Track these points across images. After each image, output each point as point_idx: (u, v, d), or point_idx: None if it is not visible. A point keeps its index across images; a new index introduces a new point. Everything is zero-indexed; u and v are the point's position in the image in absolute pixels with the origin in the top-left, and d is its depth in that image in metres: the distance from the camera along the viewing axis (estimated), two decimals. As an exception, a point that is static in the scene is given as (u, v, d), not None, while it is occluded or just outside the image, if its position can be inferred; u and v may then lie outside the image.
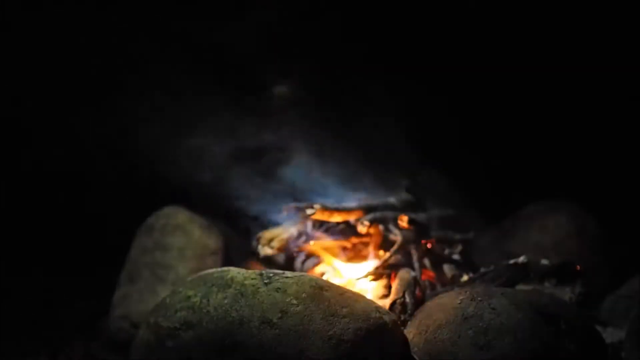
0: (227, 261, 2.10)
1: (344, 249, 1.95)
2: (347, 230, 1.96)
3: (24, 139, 2.20)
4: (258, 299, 1.40)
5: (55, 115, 2.13)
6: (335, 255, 1.94)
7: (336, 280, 1.83)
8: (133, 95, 2.06)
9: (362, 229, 1.90)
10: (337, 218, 1.92)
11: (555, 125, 2.44)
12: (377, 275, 1.79)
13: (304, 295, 1.41)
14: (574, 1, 2.29)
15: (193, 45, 2.05)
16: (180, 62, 2.03)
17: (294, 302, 1.39)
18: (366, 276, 1.77)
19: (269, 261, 1.94)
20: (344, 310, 1.40)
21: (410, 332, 1.51)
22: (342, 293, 1.46)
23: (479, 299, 1.47)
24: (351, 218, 1.94)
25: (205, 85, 2.05)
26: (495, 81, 2.38)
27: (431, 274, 1.92)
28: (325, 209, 1.87)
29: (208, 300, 1.42)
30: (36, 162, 2.23)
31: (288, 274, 1.48)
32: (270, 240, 1.93)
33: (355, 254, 1.95)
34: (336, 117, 2.24)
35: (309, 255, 1.97)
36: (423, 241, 1.96)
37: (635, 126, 2.33)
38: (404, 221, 1.91)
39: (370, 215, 1.93)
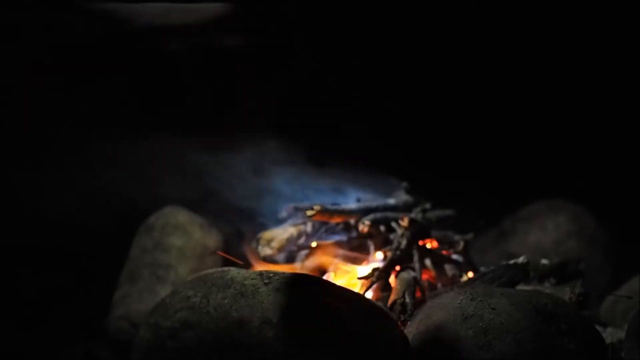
0: (227, 261, 2.10)
1: (344, 249, 1.95)
2: (347, 230, 1.96)
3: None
4: (258, 299, 1.40)
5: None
6: (335, 255, 1.94)
7: (336, 281, 1.83)
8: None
9: (363, 228, 1.90)
10: (337, 219, 1.92)
11: (555, 125, 2.44)
12: (377, 275, 1.79)
13: (304, 295, 1.40)
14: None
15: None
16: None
17: (294, 302, 1.39)
18: (366, 276, 1.77)
19: (272, 261, 1.94)
20: (344, 310, 1.40)
21: (410, 332, 1.51)
22: (342, 293, 1.45)
23: (479, 299, 1.46)
24: (351, 219, 1.94)
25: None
26: (495, 79, 2.39)
27: (431, 274, 1.92)
28: (325, 210, 1.87)
29: (208, 300, 1.42)
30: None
31: (288, 273, 1.47)
32: (270, 240, 1.93)
33: (355, 255, 1.94)
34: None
35: (309, 255, 1.96)
36: (423, 241, 1.96)
37: (635, 125, 2.33)
38: (404, 222, 1.90)
39: (371, 216, 1.93)
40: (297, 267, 1.94)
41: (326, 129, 2.34)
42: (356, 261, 1.91)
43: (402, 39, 2.36)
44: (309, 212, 1.86)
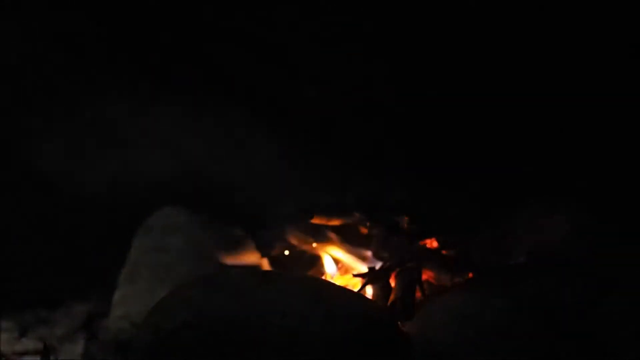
0: (227, 261, 2.10)
1: (344, 249, 1.95)
2: (347, 231, 1.96)
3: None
4: (258, 299, 1.40)
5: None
6: (335, 255, 1.94)
7: (336, 280, 1.83)
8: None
9: (363, 229, 1.90)
10: (336, 222, 1.92)
11: (555, 124, 2.44)
12: (373, 274, 1.79)
13: (304, 295, 1.41)
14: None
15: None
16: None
17: (294, 302, 1.39)
18: (362, 275, 1.78)
19: (272, 261, 1.95)
20: (344, 310, 1.40)
21: (410, 332, 1.51)
22: (342, 293, 1.46)
23: (479, 299, 1.47)
24: (350, 221, 1.94)
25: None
26: (494, 78, 2.38)
27: (431, 274, 1.93)
28: (323, 213, 1.87)
29: (208, 301, 1.42)
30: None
31: (288, 273, 1.48)
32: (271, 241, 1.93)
33: (355, 255, 1.95)
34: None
35: (310, 256, 1.97)
36: (423, 241, 1.96)
37: (635, 125, 2.33)
38: (405, 222, 1.91)
39: (371, 217, 1.93)
40: (297, 268, 1.95)
41: (324, 128, 2.34)
42: (356, 262, 1.91)
43: (400, 39, 2.35)
44: (308, 216, 1.86)
